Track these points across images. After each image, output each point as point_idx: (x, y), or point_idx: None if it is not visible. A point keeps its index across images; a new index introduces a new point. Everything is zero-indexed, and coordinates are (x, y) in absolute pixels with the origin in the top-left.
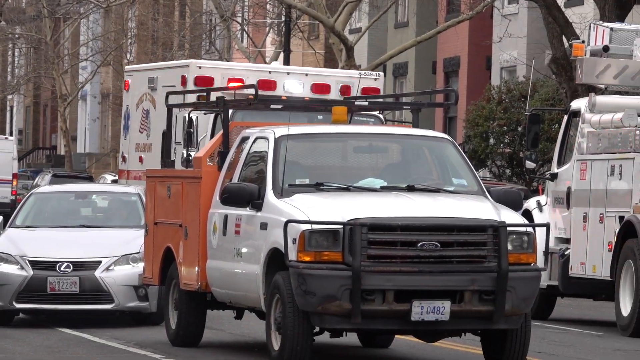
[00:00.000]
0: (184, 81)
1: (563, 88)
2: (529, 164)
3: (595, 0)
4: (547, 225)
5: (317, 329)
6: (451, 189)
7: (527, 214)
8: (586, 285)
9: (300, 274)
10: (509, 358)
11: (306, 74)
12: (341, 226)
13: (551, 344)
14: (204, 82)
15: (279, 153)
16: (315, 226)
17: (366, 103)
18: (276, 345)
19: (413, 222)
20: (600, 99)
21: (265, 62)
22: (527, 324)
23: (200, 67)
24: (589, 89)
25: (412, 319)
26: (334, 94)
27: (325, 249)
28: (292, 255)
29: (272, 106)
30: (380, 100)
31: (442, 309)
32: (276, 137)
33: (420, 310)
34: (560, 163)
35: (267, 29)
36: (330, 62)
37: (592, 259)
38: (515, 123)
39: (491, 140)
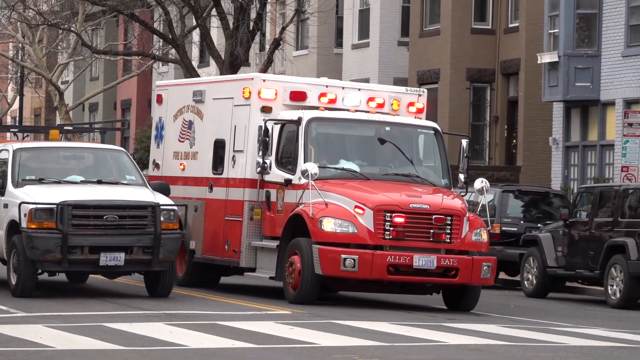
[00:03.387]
0: (247, 94)
1: None
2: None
3: (216, 63)
4: (185, 206)
5: (40, 271)
6: (125, 182)
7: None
8: None
9: (29, 236)
10: (161, 291)
11: (359, 89)
12: (55, 206)
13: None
14: (268, 95)
15: (16, 159)
16: (38, 206)
17: (71, 128)
18: (14, 281)
19: (101, 203)
20: None
21: (8, 104)
22: (172, 267)
23: (264, 81)
24: None
25: (100, 265)
26: (387, 107)
27: (45, 220)
28: (24, 224)
29: (11, 129)
30: (85, 125)
31: (119, 258)
32: (14, 149)
33: (106, 259)
34: None
35: (9, 80)
36: (50, 101)
37: None
38: None
39: None
